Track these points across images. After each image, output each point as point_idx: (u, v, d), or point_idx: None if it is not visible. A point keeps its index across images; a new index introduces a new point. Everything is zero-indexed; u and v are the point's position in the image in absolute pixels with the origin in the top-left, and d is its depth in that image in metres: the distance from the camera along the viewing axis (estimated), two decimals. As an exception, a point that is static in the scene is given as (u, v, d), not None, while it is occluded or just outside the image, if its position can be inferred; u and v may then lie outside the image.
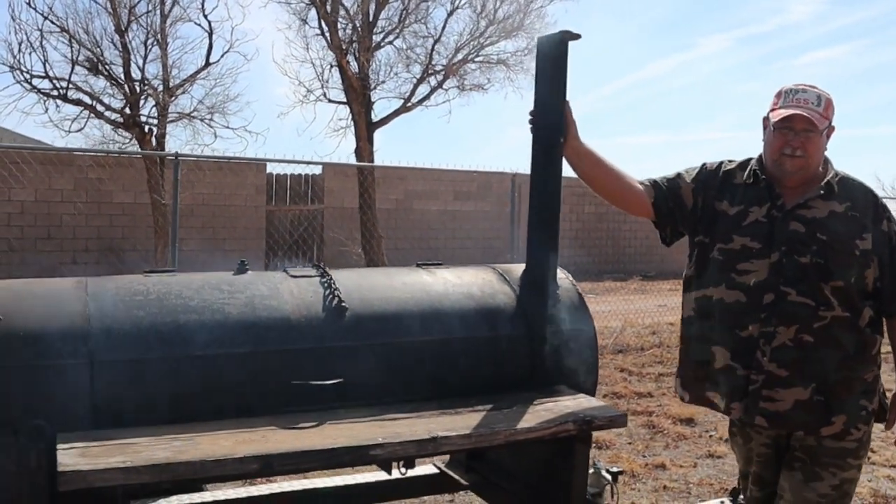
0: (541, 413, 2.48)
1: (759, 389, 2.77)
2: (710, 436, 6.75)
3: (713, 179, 2.97)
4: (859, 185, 2.83)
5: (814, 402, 2.73)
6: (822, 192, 2.77)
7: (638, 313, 12.66)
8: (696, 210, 2.95)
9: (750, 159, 2.95)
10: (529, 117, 3.02)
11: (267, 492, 3.31)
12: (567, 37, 2.82)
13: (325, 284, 2.63)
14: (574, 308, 2.88)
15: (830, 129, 2.80)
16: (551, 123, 2.85)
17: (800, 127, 2.74)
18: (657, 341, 11.33)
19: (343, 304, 2.56)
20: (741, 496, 3.62)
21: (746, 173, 2.91)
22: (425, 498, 5.03)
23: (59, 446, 2.06)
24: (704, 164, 3.03)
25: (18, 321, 2.27)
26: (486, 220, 20.47)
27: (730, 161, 3.01)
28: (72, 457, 1.99)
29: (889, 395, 2.92)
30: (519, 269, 3.04)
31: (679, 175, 3.03)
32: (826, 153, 2.87)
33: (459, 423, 2.36)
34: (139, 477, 1.96)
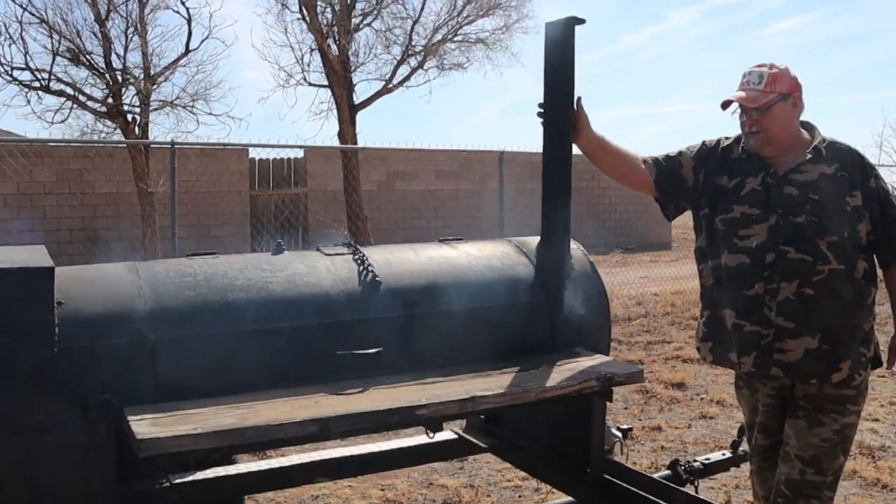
0: (565, 372, 2.68)
1: (771, 343, 3.00)
2: (702, 398, 7.01)
3: (712, 155, 3.19)
4: (846, 148, 3.08)
5: (822, 350, 2.95)
6: (809, 156, 3.02)
7: (622, 285, 12.90)
8: (697, 186, 3.18)
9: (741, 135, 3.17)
10: (539, 109, 3.22)
11: (297, 462, 3.48)
12: (573, 21, 3.00)
13: (359, 261, 2.80)
14: (587, 275, 3.08)
15: (792, 97, 3.01)
16: (561, 105, 3.03)
17: (747, 108, 3.00)
18: (643, 311, 11.59)
19: (377, 278, 2.74)
20: (741, 448, 3.86)
21: (740, 148, 3.13)
22: (437, 466, 5.25)
23: (130, 418, 2.22)
24: (704, 142, 3.27)
25: (79, 305, 2.43)
26: (469, 198, 20.64)
27: (726, 137, 3.24)
28: (145, 426, 2.16)
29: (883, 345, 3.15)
30: (533, 241, 3.23)
31: (681, 153, 3.26)
32: (809, 121, 3.12)
33: (493, 383, 2.55)
34: (210, 442, 2.14)
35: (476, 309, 2.83)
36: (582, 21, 3.03)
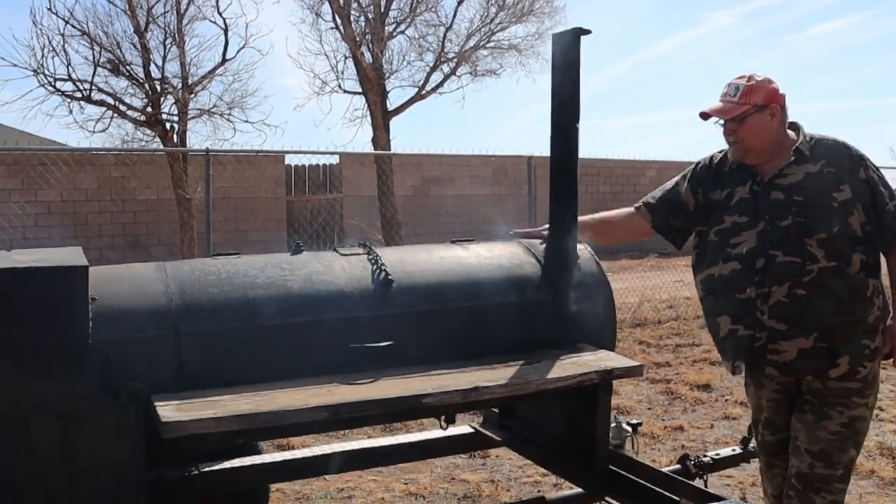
0: (567, 366, 2.81)
1: (764, 345, 3.06)
2: (726, 400, 7.06)
3: (707, 172, 3.30)
4: (833, 143, 3.12)
5: (817, 348, 2.99)
6: (792, 158, 3.08)
7: (654, 289, 12.92)
8: (699, 206, 3.28)
9: None
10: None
11: (319, 452, 3.65)
12: (579, 32, 3.14)
13: (373, 261, 2.97)
14: (593, 274, 3.21)
15: (769, 108, 3.08)
16: (568, 107, 3.17)
17: (720, 117, 3.10)
18: (674, 315, 11.61)
19: (390, 276, 2.90)
20: (751, 444, 3.94)
21: (731, 159, 3.24)
22: (459, 462, 5.40)
23: (157, 404, 2.40)
24: (697, 163, 3.38)
25: (111, 301, 2.62)
26: (503, 203, 20.73)
27: (720, 151, 3.32)
28: (170, 411, 2.34)
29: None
30: (542, 242, 3.37)
31: (677, 183, 3.39)
32: (795, 121, 3.18)
33: (497, 375, 2.69)
34: (229, 425, 2.31)
35: (484, 306, 2.98)
36: (588, 32, 3.16)
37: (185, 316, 2.64)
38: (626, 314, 11.17)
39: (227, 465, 3.38)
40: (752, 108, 3.06)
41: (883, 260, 3.12)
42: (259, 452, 3.71)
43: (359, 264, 2.97)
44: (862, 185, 3.02)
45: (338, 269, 2.92)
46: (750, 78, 3.10)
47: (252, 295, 2.74)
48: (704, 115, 3.13)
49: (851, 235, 3.00)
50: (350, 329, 2.77)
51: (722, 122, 3.14)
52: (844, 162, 3.05)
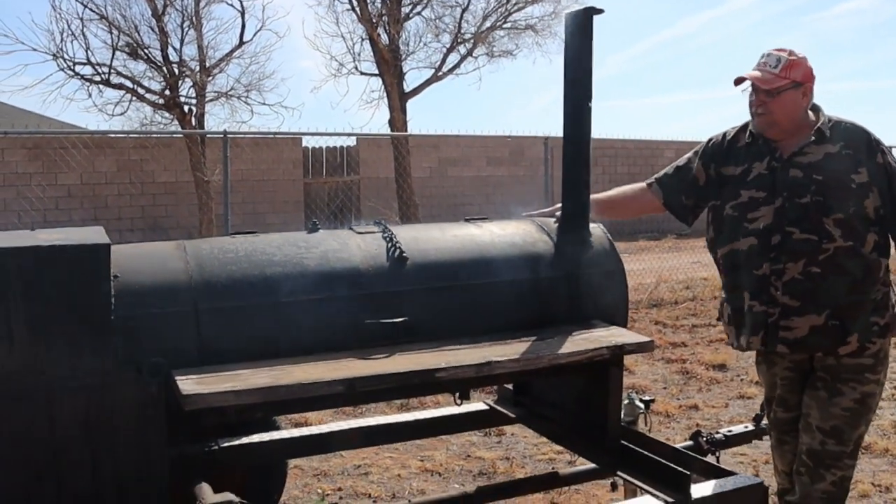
0: (578, 342, 2.85)
1: (776, 321, 3.09)
2: (742, 379, 7.10)
3: (719, 148, 3.31)
4: (851, 126, 3.13)
5: (829, 326, 3.03)
6: (813, 137, 3.09)
7: (672, 270, 12.94)
8: (710, 181, 3.30)
9: (749, 121, 3.28)
10: None
11: (337, 428, 3.71)
12: (591, 12, 3.15)
13: (387, 238, 3.01)
14: (605, 252, 3.24)
15: (804, 87, 3.08)
16: (581, 86, 3.19)
17: (758, 88, 3.08)
18: (691, 295, 11.63)
19: (404, 254, 2.95)
20: (764, 421, 3.98)
21: (747, 134, 3.25)
22: (475, 440, 5.46)
23: (177, 378, 2.46)
24: (710, 139, 3.39)
25: (132, 278, 2.67)
26: (520, 184, 20.75)
27: (733, 128, 3.34)
28: (190, 385, 2.40)
29: None
30: (555, 220, 3.40)
31: (689, 160, 3.42)
32: (814, 102, 3.18)
33: (509, 350, 2.74)
34: (248, 398, 2.37)
35: (497, 283, 3.02)
36: (600, 11, 3.17)
37: (205, 293, 2.69)
38: (642, 295, 11.19)
39: (245, 440, 3.45)
40: (791, 83, 3.06)
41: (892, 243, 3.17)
42: (277, 428, 3.78)
43: (374, 242, 3.01)
44: (879, 169, 3.05)
45: (353, 246, 2.97)
46: (791, 52, 3.10)
47: (270, 272, 2.79)
48: (739, 80, 3.13)
49: (865, 217, 3.03)
50: (365, 305, 2.82)
51: (751, 90, 3.14)
52: (862, 146, 3.07)
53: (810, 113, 3.18)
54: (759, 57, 3.17)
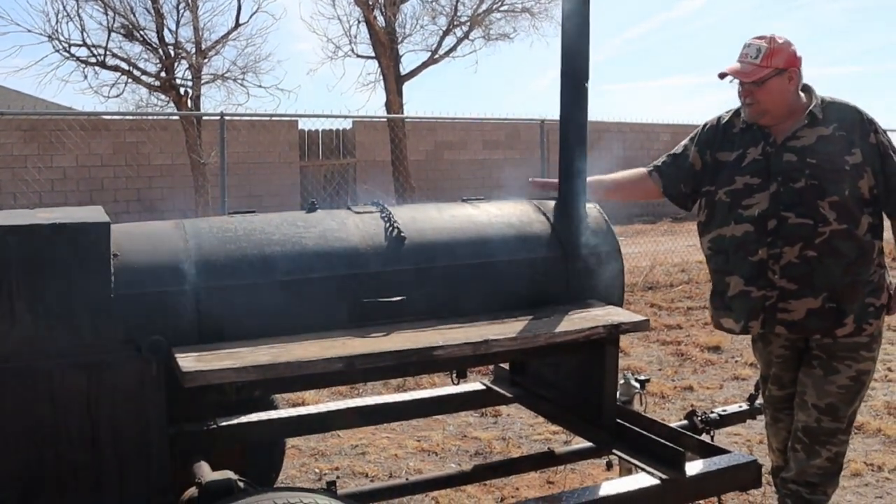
0: (575, 320, 2.87)
1: (774, 304, 3.12)
2: (736, 361, 7.15)
3: (714, 133, 3.33)
4: (845, 106, 3.14)
5: (826, 308, 3.07)
6: (806, 121, 3.10)
7: (667, 253, 12.96)
8: (706, 167, 3.32)
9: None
10: None
11: (335, 408, 3.74)
12: (588, -10, 3.16)
13: (385, 218, 3.03)
14: (601, 232, 3.26)
15: (788, 72, 3.08)
16: (578, 66, 3.20)
17: (742, 80, 3.10)
18: (686, 278, 11.66)
19: (402, 234, 2.96)
20: (758, 401, 4.02)
21: (741, 119, 3.26)
22: (471, 420, 5.50)
23: (178, 355, 2.48)
24: (705, 124, 3.40)
25: (132, 256, 2.69)
26: (516, 167, 20.72)
27: (727, 112, 3.35)
28: (190, 362, 2.41)
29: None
30: (552, 201, 3.42)
31: (685, 147, 3.44)
32: (805, 83, 3.19)
33: (506, 329, 2.76)
34: (248, 375, 2.38)
35: (494, 262, 3.04)
36: (596, -9, 3.18)
37: (204, 271, 2.71)
38: (638, 277, 11.23)
39: (244, 419, 3.48)
40: (773, 71, 3.07)
41: (887, 223, 3.19)
42: (275, 408, 3.81)
43: (372, 222, 3.03)
44: (872, 148, 3.07)
45: (351, 226, 2.98)
46: (771, 40, 3.10)
47: (268, 251, 2.80)
48: (723, 75, 3.15)
49: (860, 198, 3.06)
50: (363, 284, 2.84)
51: (736, 80, 3.16)
52: (856, 126, 3.09)
53: (802, 94, 3.19)
54: (741, 49, 3.17)
